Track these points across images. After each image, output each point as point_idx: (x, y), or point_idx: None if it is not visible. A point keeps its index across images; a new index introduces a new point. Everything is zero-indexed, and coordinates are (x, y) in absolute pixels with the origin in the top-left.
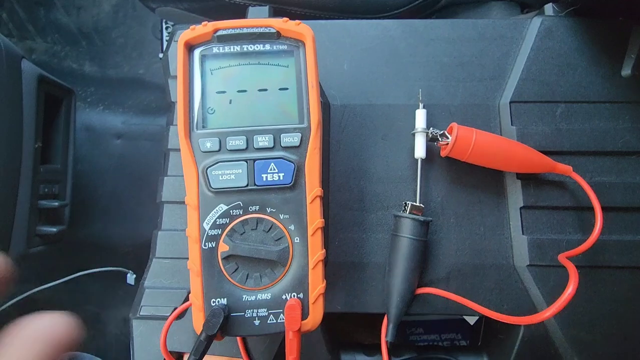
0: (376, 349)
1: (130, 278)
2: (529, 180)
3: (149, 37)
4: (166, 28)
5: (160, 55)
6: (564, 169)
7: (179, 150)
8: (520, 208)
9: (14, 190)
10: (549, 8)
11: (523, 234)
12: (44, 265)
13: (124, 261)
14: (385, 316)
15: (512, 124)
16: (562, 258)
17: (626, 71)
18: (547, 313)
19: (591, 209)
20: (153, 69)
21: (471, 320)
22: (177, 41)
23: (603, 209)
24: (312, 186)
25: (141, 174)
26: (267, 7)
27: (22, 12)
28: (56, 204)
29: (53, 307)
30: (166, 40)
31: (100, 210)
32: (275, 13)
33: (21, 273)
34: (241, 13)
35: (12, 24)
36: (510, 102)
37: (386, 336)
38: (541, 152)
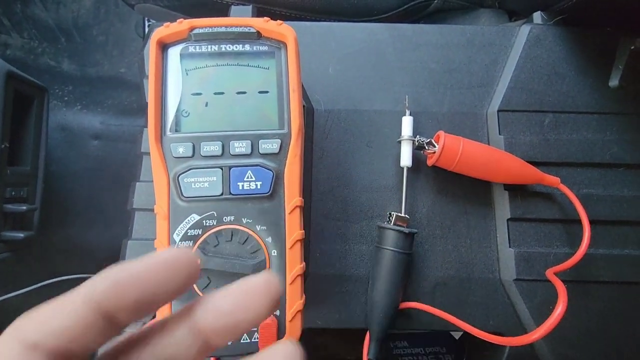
0: None
1: None
2: (517, 191)
3: (132, 35)
4: (149, 25)
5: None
6: (552, 180)
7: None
8: (508, 220)
9: None
10: (537, 16)
11: (510, 246)
12: (14, 271)
13: (101, 268)
14: (368, 332)
15: (499, 133)
16: (550, 274)
17: (614, 82)
18: (535, 335)
19: (579, 221)
20: (135, 68)
21: (457, 334)
22: None
23: (591, 222)
24: (292, 196)
25: (120, 177)
26: (251, 6)
27: None
28: (24, 208)
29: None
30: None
31: (75, 214)
32: (259, 13)
33: None
34: (224, 12)
35: None
36: (498, 111)
37: (368, 354)
38: (529, 162)
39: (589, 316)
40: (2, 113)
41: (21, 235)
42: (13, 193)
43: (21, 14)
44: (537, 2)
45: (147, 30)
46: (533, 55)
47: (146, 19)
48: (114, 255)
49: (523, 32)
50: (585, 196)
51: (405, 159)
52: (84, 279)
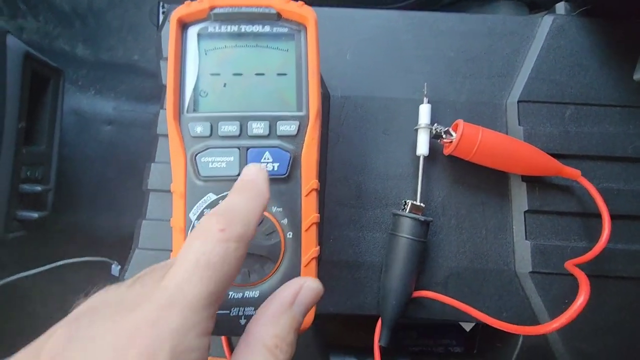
0: (368, 353)
1: (115, 269)
2: (535, 183)
3: (146, 21)
4: (163, 12)
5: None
6: (572, 172)
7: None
8: (525, 212)
9: None
10: (560, 7)
11: (526, 239)
12: (25, 252)
13: (110, 252)
14: (380, 319)
15: (519, 124)
16: (570, 266)
17: (638, 75)
18: (555, 324)
19: (598, 215)
20: (148, 55)
21: (467, 326)
22: None
23: (610, 216)
24: (309, 178)
25: (131, 163)
26: None
27: None
28: (39, 188)
29: (33, 296)
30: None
31: (86, 198)
32: None
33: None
34: None
35: (1, 1)
36: (519, 102)
37: (379, 340)
38: (548, 154)
39: (606, 311)
40: (19, 93)
41: (35, 215)
42: (28, 173)
43: None
44: None
45: (161, 17)
46: (555, 46)
47: (160, 5)
48: (122, 240)
49: (546, 22)
50: (606, 190)
51: (422, 147)
52: (93, 262)
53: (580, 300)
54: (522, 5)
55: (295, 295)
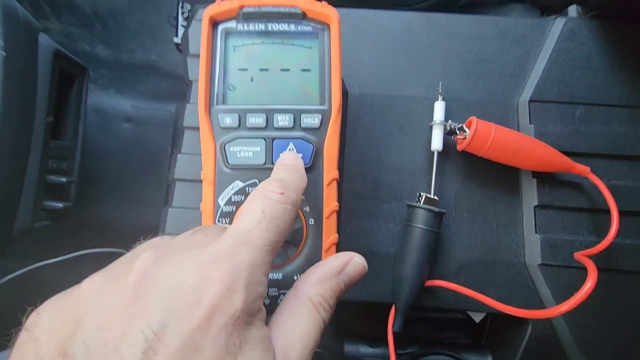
0: (380, 341)
1: None
2: (545, 179)
3: (164, 24)
4: (182, 13)
5: (176, 39)
6: (581, 169)
7: (194, 128)
8: (535, 207)
9: (24, 163)
10: (572, 10)
11: (536, 232)
12: (48, 242)
13: (128, 244)
14: (393, 306)
15: (530, 123)
16: (579, 255)
17: None
18: (563, 307)
19: (606, 211)
20: (166, 56)
21: (477, 317)
22: (198, 20)
23: (619, 212)
24: (330, 169)
25: (148, 159)
26: None
27: None
28: (64, 180)
29: (53, 285)
30: (182, 26)
31: (105, 192)
32: None
33: (25, 249)
34: None
35: (28, 3)
36: (530, 101)
37: (393, 326)
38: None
39: (613, 304)
40: (48, 88)
41: (60, 205)
42: (54, 165)
43: (61, 0)
44: None
45: (179, 19)
46: (566, 48)
47: (180, 6)
48: (139, 232)
49: (557, 25)
50: (614, 187)
51: (436, 143)
52: (112, 254)
53: (589, 284)
54: (534, 9)
55: (343, 266)
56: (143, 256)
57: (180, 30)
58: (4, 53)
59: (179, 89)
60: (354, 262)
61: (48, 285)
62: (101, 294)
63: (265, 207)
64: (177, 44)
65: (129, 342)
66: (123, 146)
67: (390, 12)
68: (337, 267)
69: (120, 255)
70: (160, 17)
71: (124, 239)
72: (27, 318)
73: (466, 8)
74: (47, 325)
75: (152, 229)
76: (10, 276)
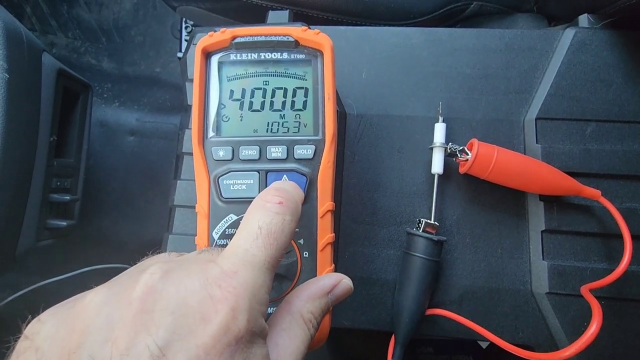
0: None
1: None
2: (553, 202)
3: (168, 36)
4: (185, 27)
5: (179, 54)
6: (591, 193)
7: (192, 154)
8: (542, 231)
9: (27, 183)
10: (583, 19)
11: (543, 259)
12: (52, 259)
13: (132, 258)
14: (393, 336)
15: (537, 142)
16: (584, 291)
17: None
18: (567, 352)
19: (618, 236)
20: (169, 68)
21: (483, 343)
22: (195, 45)
23: (632, 237)
24: (324, 200)
25: (152, 173)
26: (288, 11)
27: (45, 7)
28: (67, 198)
29: (59, 301)
30: (185, 40)
31: (110, 206)
32: (296, 16)
33: (29, 266)
34: (262, 14)
35: (35, 18)
36: (536, 119)
37: (392, 357)
38: (567, 173)
39: (624, 335)
40: (52, 108)
41: (64, 223)
42: (58, 184)
43: (67, 15)
44: (582, 5)
45: (183, 32)
46: (577, 60)
47: (184, 20)
48: (144, 246)
49: (567, 36)
50: (628, 210)
51: (437, 166)
52: (117, 269)
53: (593, 328)
54: (542, 19)
55: (333, 287)
56: (150, 270)
57: (184, 45)
58: (7, 75)
59: (182, 101)
60: (343, 283)
61: (52, 300)
62: (107, 305)
63: (261, 221)
64: (179, 58)
65: (134, 356)
66: (127, 159)
67: (389, 28)
68: (328, 287)
69: (124, 270)
70: (164, 28)
71: (128, 252)
72: (26, 325)
73: (470, 19)
74: (49, 333)
75: (157, 243)
76: (15, 295)
